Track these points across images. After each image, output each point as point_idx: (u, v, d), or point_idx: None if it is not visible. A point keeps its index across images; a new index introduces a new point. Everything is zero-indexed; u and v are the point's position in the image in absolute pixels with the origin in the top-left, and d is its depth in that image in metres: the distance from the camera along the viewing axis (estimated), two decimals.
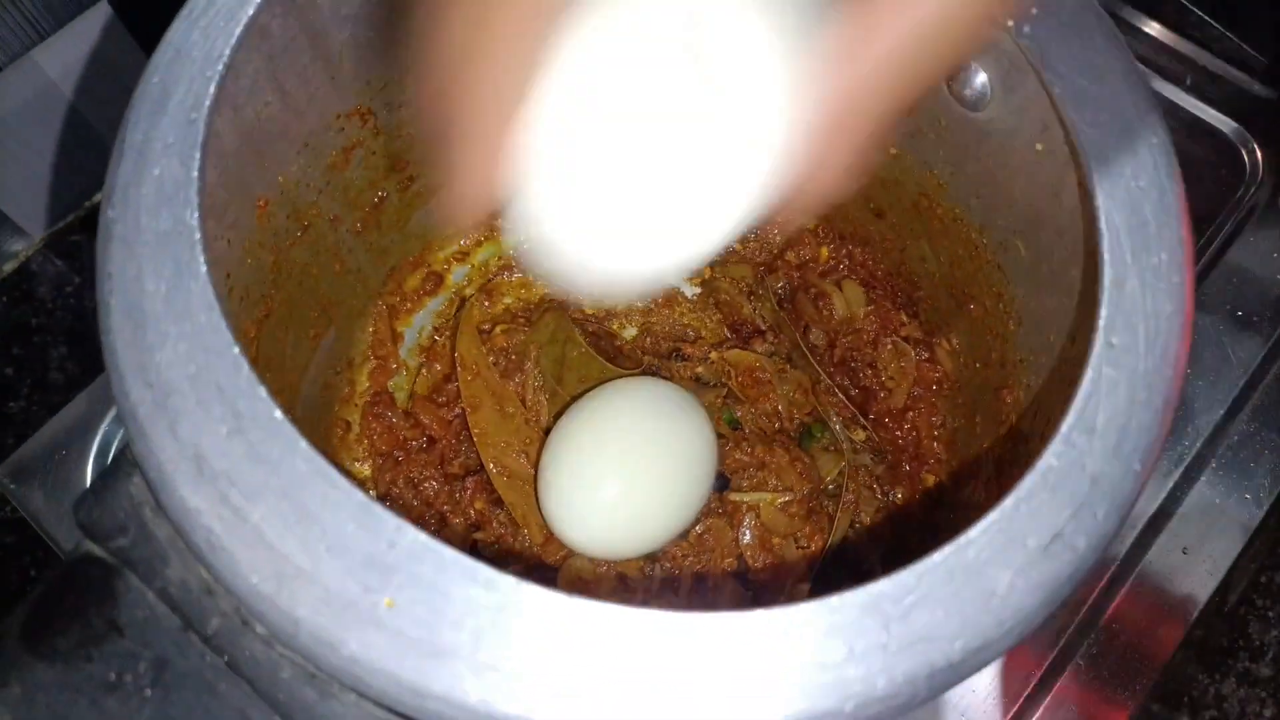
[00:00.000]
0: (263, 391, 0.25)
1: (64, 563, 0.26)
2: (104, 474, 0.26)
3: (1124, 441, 0.26)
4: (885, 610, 0.24)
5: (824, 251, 0.50)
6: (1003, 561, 0.25)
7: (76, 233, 0.61)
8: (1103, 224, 0.28)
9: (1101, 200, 0.29)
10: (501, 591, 0.23)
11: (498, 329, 0.48)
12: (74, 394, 0.53)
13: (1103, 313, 0.27)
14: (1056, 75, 0.30)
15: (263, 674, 0.25)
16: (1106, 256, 0.28)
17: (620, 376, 0.45)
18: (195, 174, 0.26)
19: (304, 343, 0.40)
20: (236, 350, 0.25)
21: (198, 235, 0.26)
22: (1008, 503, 0.25)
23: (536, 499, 0.42)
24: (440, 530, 0.44)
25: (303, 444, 0.24)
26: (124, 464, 0.26)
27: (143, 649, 0.25)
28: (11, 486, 0.50)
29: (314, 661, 0.24)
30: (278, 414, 0.25)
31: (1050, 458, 0.26)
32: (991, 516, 0.25)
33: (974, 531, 0.25)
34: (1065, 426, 0.26)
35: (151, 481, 0.25)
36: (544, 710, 0.23)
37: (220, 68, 0.28)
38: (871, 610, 0.24)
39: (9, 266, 0.60)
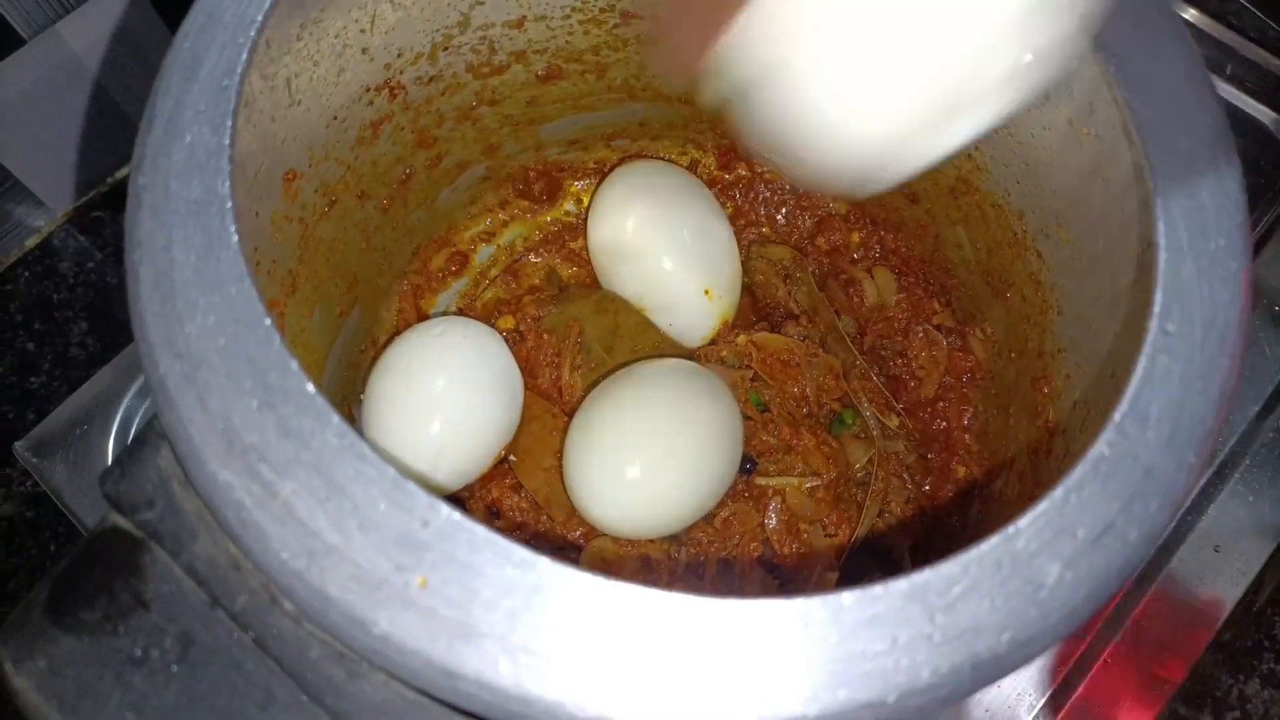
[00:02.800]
0: (294, 365, 0.24)
1: (89, 535, 0.26)
2: (131, 446, 0.26)
3: (1178, 432, 0.25)
4: (930, 600, 0.23)
5: (855, 237, 0.50)
6: (1052, 552, 0.24)
7: (99, 208, 0.61)
8: (1159, 208, 0.27)
9: (1158, 183, 0.28)
10: (537, 572, 0.23)
11: (525, 298, 0.47)
12: (95, 370, 0.52)
13: (1158, 299, 0.26)
14: (1111, 53, 0.29)
15: (290, 652, 0.25)
16: (1162, 241, 0.27)
17: (674, 347, 0.45)
18: (227, 141, 0.26)
19: (329, 320, 0.40)
20: (268, 322, 0.24)
21: (229, 204, 0.25)
22: (1057, 492, 0.24)
23: (561, 477, 0.42)
24: None
25: (335, 418, 0.24)
26: (151, 436, 0.26)
27: (169, 624, 0.25)
28: (34, 461, 0.50)
29: (344, 640, 0.23)
30: (309, 388, 0.24)
31: (1102, 447, 0.25)
32: (1041, 506, 0.24)
33: (1023, 521, 0.24)
34: (1118, 415, 0.25)
35: (180, 454, 0.24)
36: (579, 694, 0.22)
37: (253, 33, 0.28)
38: (916, 600, 0.23)
39: (31, 241, 0.59)
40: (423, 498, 0.23)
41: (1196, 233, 0.27)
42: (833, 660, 0.22)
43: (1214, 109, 0.29)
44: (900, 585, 0.23)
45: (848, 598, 0.23)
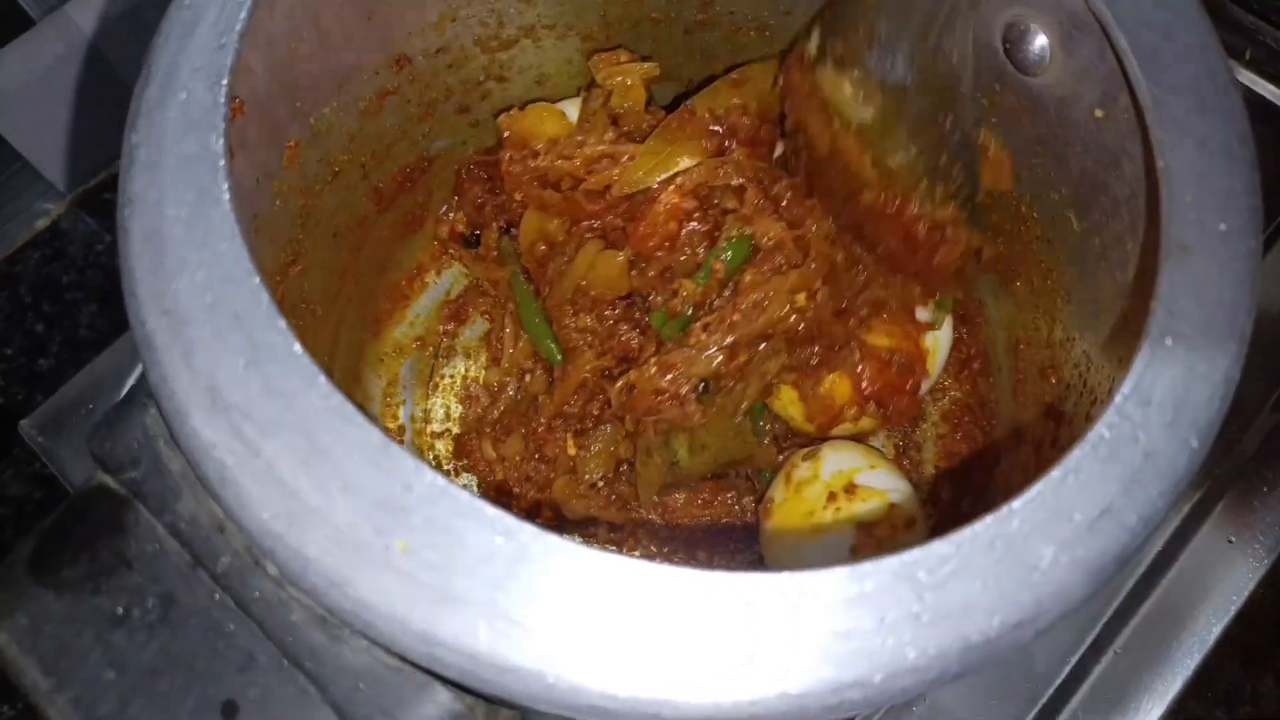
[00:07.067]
0: (282, 323, 0.24)
1: (76, 493, 0.26)
2: (119, 404, 0.26)
3: (1181, 415, 0.24)
4: (919, 579, 0.22)
5: None
6: (1046, 535, 0.23)
7: (108, 191, 0.61)
8: (1167, 188, 0.27)
9: (1168, 162, 0.27)
10: (520, 540, 0.22)
11: None
12: (103, 353, 0.52)
13: (1163, 279, 0.26)
14: (1125, 30, 0.28)
15: (272, 615, 0.24)
16: (1170, 221, 0.26)
17: None
18: (222, 99, 0.26)
19: (330, 290, 0.40)
20: (257, 281, 0.24)
21: (221, 161, 0.25)
22: (1055, 473, 0.24)
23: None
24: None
25: (321, 379, 0.24)
26: (139, 395, 0.26)
27: (151, 584, 0.25)
28: (39, 440, 0.49)
29: (322, 603, 0.23)
30: (296, 348, 0.24)
31: (1102, 429, 0.24)
32: (1037, 487, 0.23)
33: (1017, 502, 0.23)
34: (1119, 397, 0.24)
35: (165, 412, 0.24)
36: (558, 663, 0.22)
37: None
38: (905, 578, 0.23)
39: (40, 224, 0.59)
40: (407, 461, 0.23)
41: (1206, 213, 0.26)
42: (817, 637, 0.22)
43: (1229, 88, 0.29)
44: (890, 563, 0.23)
45: (835, 574, 0.22)
